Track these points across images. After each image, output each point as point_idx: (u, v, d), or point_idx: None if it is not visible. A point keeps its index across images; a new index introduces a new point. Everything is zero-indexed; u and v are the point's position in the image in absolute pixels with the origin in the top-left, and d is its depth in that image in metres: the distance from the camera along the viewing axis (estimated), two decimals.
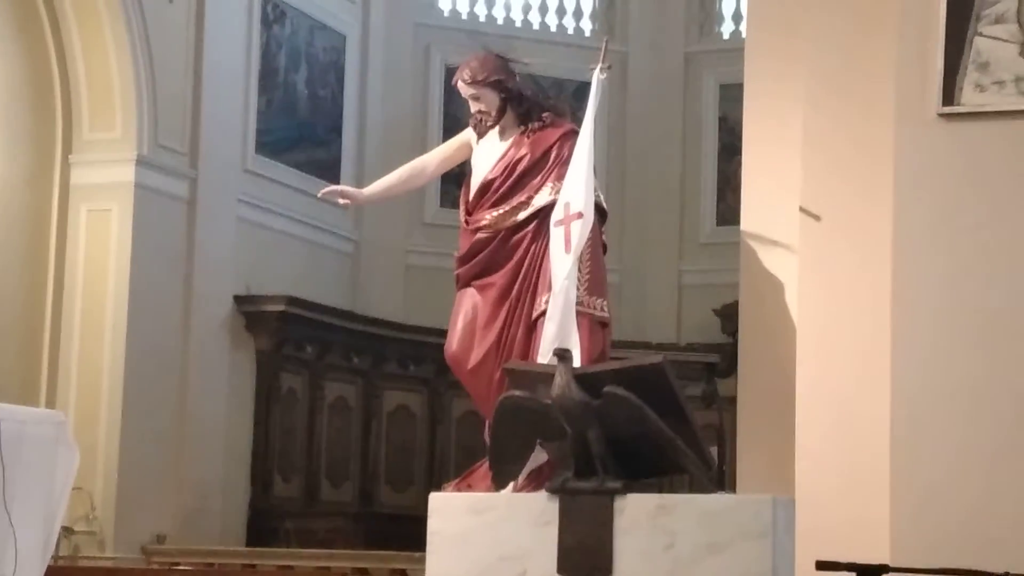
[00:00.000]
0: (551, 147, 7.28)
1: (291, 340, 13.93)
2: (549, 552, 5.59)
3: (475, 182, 7.39)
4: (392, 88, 15.77)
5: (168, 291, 12.53)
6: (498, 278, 7.20)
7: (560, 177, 7.12)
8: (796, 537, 5.67)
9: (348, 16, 15.36)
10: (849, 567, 5.20)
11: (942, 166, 6.82)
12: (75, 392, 12.08)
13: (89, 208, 12.26)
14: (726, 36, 16.74)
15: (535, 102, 7.44)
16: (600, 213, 7.14)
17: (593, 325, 6.99)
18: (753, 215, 7.76)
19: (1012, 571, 5.27)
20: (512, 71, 7.42)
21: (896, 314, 6.78)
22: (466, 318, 7.27)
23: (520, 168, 7.26)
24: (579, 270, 6.92)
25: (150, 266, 12.29)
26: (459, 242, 7.43)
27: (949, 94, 6.78)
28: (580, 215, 6.85)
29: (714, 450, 6.63)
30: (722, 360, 14.41)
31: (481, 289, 7.25)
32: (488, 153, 7.39)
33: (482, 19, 16.49)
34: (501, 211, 7.24)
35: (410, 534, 8.91)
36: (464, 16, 16.46)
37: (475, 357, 7.18)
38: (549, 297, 6.92)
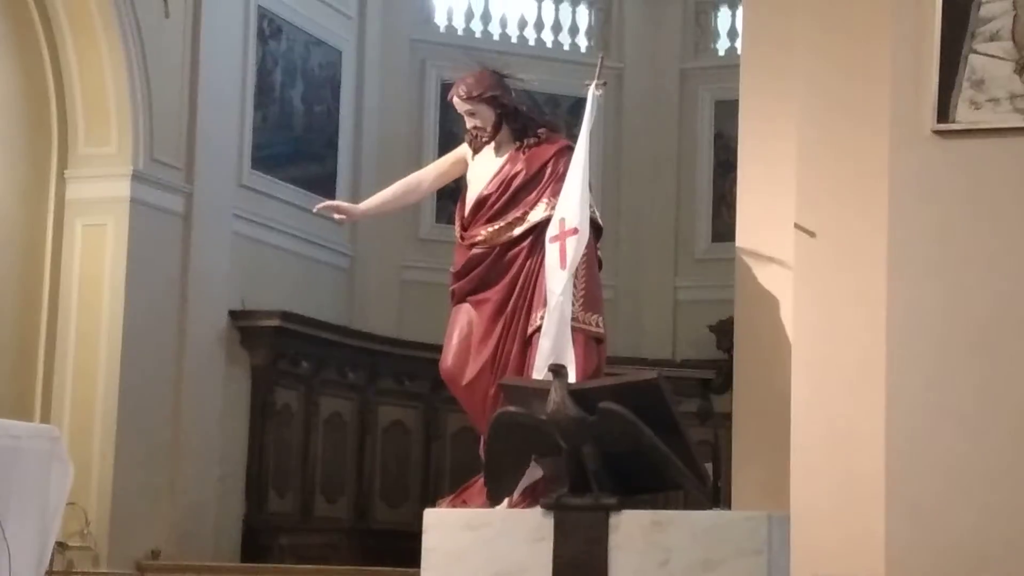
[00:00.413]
0: (546, 163, 7.28)
1: (286, 355, 13.91)
2: (544, 568, 5.59)
3: (470, 198, 7.39)
4: (388, 104, 15.78)
5: (163, 306, 12.51)
6: (493, 294, 7.20)
7: (555, 193, 7.13)
8: (791, 553, 5.67)
9: (344, 32, 15.37)
10: None
11: (937, 183, 6.83)
12: (69, 407, 12.05)
13: (84, 223, 12.24)
14: (722, 53, 16.77)
15: (530, 118, 7.45)
16: (595, 229, 7.14)
17: (588, 341, 6.99)
18: (748, 231, 7.76)
19: None
20: (508, 87, 7.43)
21: (891, 330, 6.79)
22: (461, 333, 7.26)
23: (515, 184, 7.27)
24: (574, 286, 6.92)
25: (145, 281, 12.27)
26: (454, 257, 7.44)
27: (944, 111, 6.80)
28: (575, 231, 6.85)
29: (709, 466, 6.64)
30: (717, 376, 14.42)
31: (476, 305, 7.25)
32: (483, 169, 7.40)
33: (478, 35, 16.50)
34: (496, 227, 7.25)
35: (405, 550, 8.90)
36: (460, 32, 16.47)
37: (470, 373, 7.17)
38: (544, 313, 6.91)
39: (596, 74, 7.15)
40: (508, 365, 7.08)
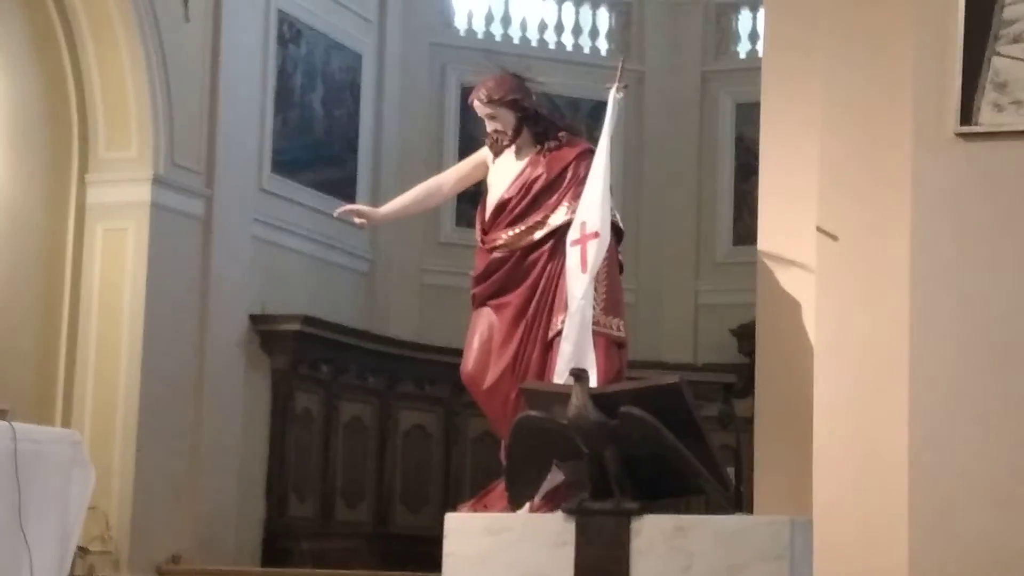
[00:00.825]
0: (567, 166, 7.28)
1: (306, 360, 13.92)
2: (566, 573, 5.56)
3: (491, 201, 7.38)
4: (408, 107, 15.79)
5: (184, 310, 12.52)
6: (514, 297, 7.19)
7: (576, 196, 7.11)
8: (814, 558, 5.64)
9: (364, 36, 15.38)
10: None
11: (960, 186, 6.79)
12: (90, 412, 12.07)
13: (105, 227, 12.27)
14: (742, 55, 16.75)
15: (551, 121, 7.44)
16: (616, 232, 7.13)
17: (609, 345, 6.97)
18: (770, 235, 7.74)
19: None
20: (528, 90, 7.42)
21: (914, 334, 6.75)
22: (482, 338, 7.26)
23: (536, 187, 7.26)
24: (595, 290, 6.91)
25: (166, 285, 12.29)
26: (475, 261, 7.43)
27: (967, 114, 6.76)
28: (596, 234, 6.84)
29: (731, 471, 6.60)
30: (739, 380, 14.38)
31: (497, 309, 7.25)
32: (504, 172, 7.39)
33: (498, 38, 16.50)
34: (517, 231, 7.24)
35: (426, 555, 8.87)
36: (480, 36, 16.47)
37: (491, 377, 7.17)
38: (565, 317, 6.90)
39: (617, 77, 7.14)
40: (529, 369, 7.08)
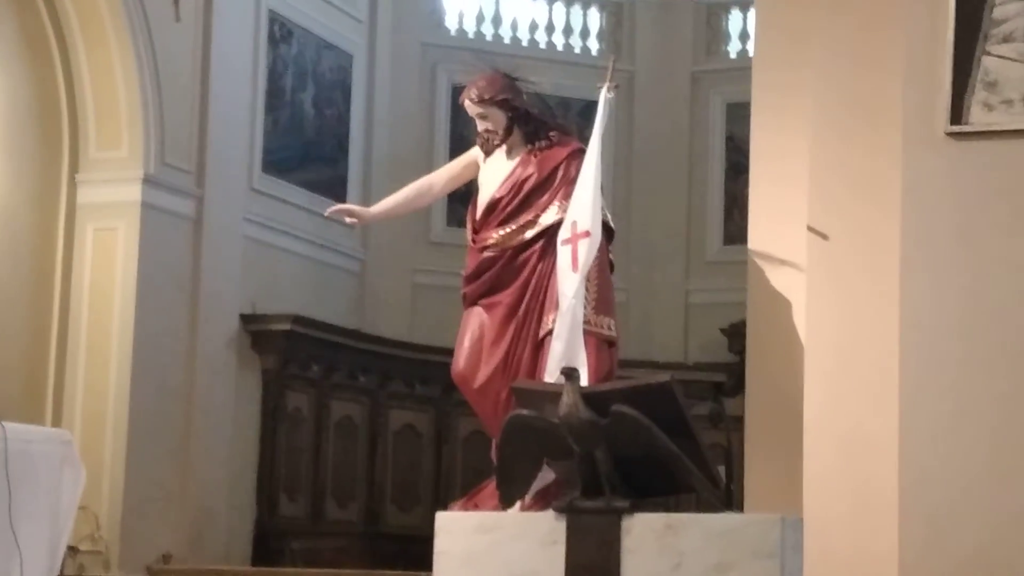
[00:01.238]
0: (558, 166, 7.28)
1: (297, 359, 13.91)
2: (556, 571, 5.57)
3: (482, 201, 7.38)
4: (399, 107, 15.78)
5: (174, 310, 12.51)
6: (505, 297, 7.20)
7: (567, 196, 7.12)
8: (804, 557, 5.65)
9: (355, 35, 15.37)
10: None
11: (950, 185, 6.80)
12: (81, 411, 12.05)
13: (95, 227, 12.25)
14: (733, 55, 16.75)
15: (542, 121, 7.44)
16: (607, 232, 7.13)
17: (600, 344, 6.98)
18: (760, 234, 7.74)
19: None
20: (519, 90, 7.42)
21: (905, 334, 6.76)
22: (473, 337, 7.26)
23: (527, 187, 7.26)
24: (586, 289, 6.91)
25: (156, 285, 12.27)
26: (466, 261, 7.43)
27: (957, 113, 6.77)
28: (587, 234, 6.84)
29: (721, 469, 6.62)
30: (729, 379, 14.38)
31: (488, 308, 7.25)
32: (495, 172, 7.39)
33: (489, 38, 16.49)
34: (508, 230, 7.24)
35: (416, 554, 8.87)
36: (471, 35, 16.47)
37: (482, 376, 7.17)
38: (556, 316, 6.90)
39: (607, 77, 7.14)
40: (520, 368, 7.08)
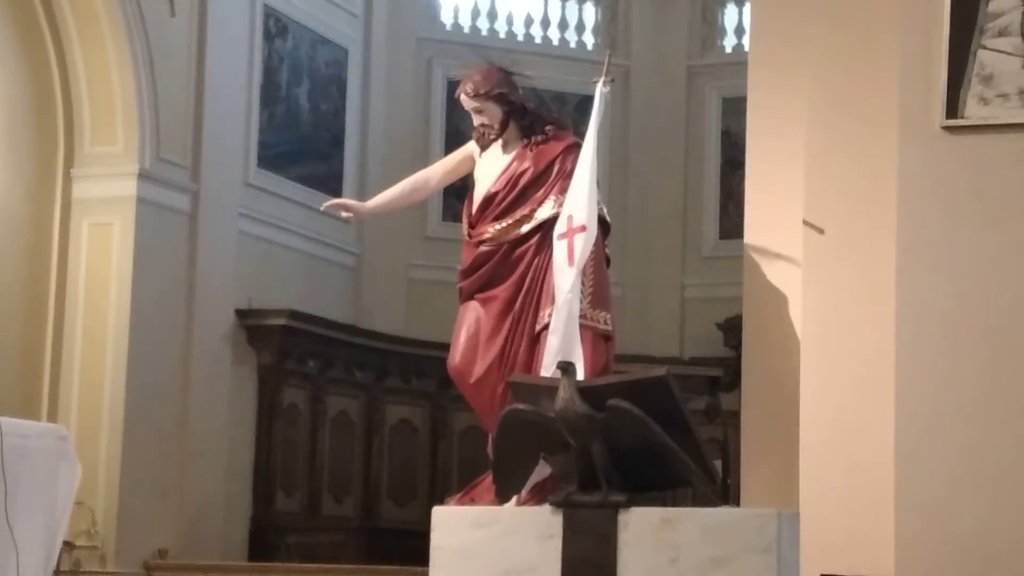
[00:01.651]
0: (554, 160, 7.27)
1: (293, 354, 13.91)
2: (553, 566, 5.57)
3: (478, 195, 7.38)
4: (394, 101, 15.78)
5: (170, 305, 12.51)
6: (501, 291, 7.19)
7: (563, 190, 7.11)
8: (801, 551, 5.65)
9: (350, 30, 15.36)
10: None
11: (946, 179, 6.80)
12: (76, 406, 12.05)
13: (91, 222, 12.25)
14: (728, 50, 16.75)
15: (538, 115, 7.44)
16: (603, 226, 7.13)
17: (596, 338, 6.97)
18: (756, 228, 7.74)
19: None
20: (515, 84, 7.41)
21: (900, 327, 6.76)
22: (469, 331, 7.25)
23: (523, 181, 7.26)
24: (582, 283, 6.91)
25: (152, 280, 12.27)
26: (462, 255, 7.43)
27: (953, 107, 6.77)
28: (583, 228, 6.84)
29: (718, 464, 6.62)
30: (725, 374, 14.40)
31: (484, 302, 7.24)
32: (491, 166, 7.39)
33: (484, 33, 16.49)
34: (504, 224, 7.23)
35: (413, 549, 8.88)
36: (466, 30, 16.46)
37: (478, 370, 7.16)
38: (552, 310, 6.90)
39: (603, 71, 7.14)
40: (516, 363, 7.07)
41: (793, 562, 5.54)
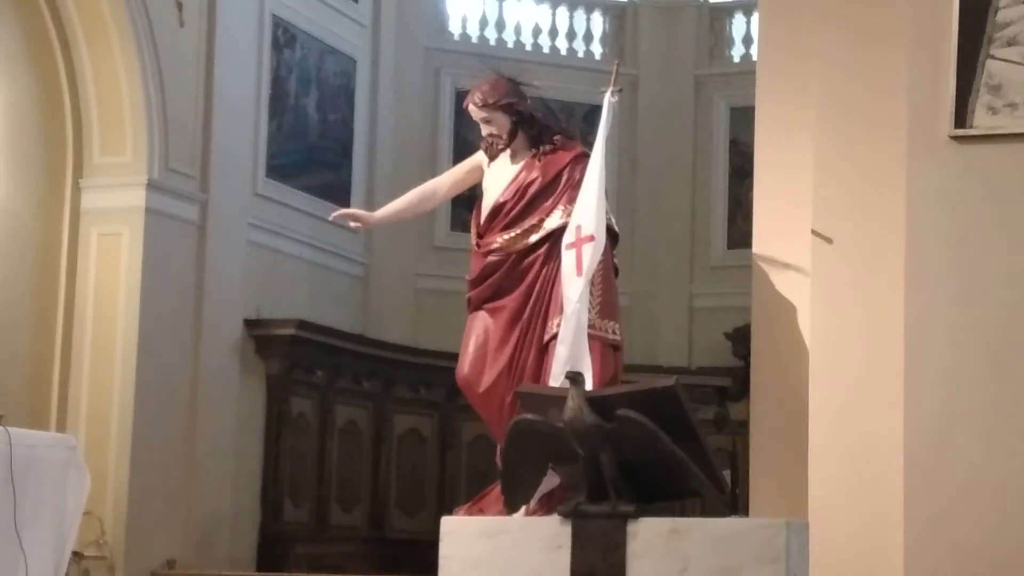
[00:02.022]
0: (562, 170, 7.27)
1: (301, 364, 13.92)
2: None
3: (486, 205, 7.38)
4: (402, 112, 15.79)
5: (178, 315, 12.52)
6: (509, 301, 7.19)
7: (571, 200, 7.11)
8: (810, 561, 5.64)
9: (358, 40, 15.38)
10: None
11: (954, 189, 6.80)
12: (85, 416, 12.06)
13: (100, 232, 12.26)
14: (736, 59, 16.76)
15: (546, 125, 7.44)
16: (611, 236, 7.12)
17: (605, 348, 6.97)
18: (765, 238, 7.74)
19: None
20: (523, 94, 7.41)
21: (909, 337, 6.76)
22: (477, 341, 7.25)
23: (531, 191, 7.26)
24: (591, 293, 6.91)
25: (160, 290, 12.28)
26: (470, 265, 7.42)
27: (961, 117, 6.77)
28: (592, 238, 6.83)
29: (727, 473, 6.61)
30: (733, 384, 14.39)
31: (492, 312, 7.24)
32: (499, 176, 7.39)
33: (492, 43, 16.51)
34: (512, 234, 7.23)
35: (421, 559, 8.89)
36: (474, 40, 16.48)
37: (486, 380, 7.16)
38: (561, 320, 6.90)
39: (611, 81, 7.13)
40: (525, 372, 7.07)
41: (802, 572, 5.54)
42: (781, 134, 7.72)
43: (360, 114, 15.33)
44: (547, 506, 6.40)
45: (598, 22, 17.07)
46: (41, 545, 6.14)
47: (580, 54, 16.89)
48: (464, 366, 7.25)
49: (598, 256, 6.85)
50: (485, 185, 7.48)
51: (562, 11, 16.96)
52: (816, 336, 7.24)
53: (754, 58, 8.44)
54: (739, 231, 15.36)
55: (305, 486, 13.95)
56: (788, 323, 7.51)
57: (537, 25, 16.78)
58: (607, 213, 7.04)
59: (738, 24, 16.97)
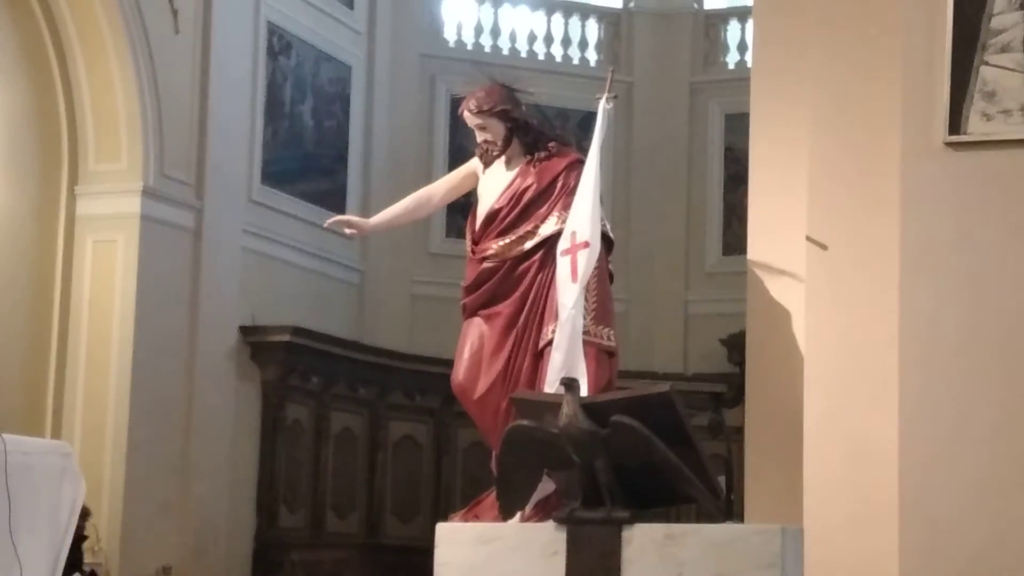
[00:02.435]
0: (557, 176, 7.27)
1: (297, 371, 13.92)
2: None
3: (481, 212, 7.38)
4: (398, 118, 15.80)
5: (174, 322, 12.52)
6: (504, 307, 7.18)
7: (566, 206, 7.11)
8: (804, 567, 5.65)
9: (354, 47, 15.39)
10: None
11: (949, 194, 6.81)
12: (80, 423, 12.06)
13: (95, 239, 12.27)
14: (731, 66, 16.79)
15: (541, 132, 7.43)
16: (606, 242, 7.12)
17: (600, 354, 6.96)
18: (759, 244, 7.74)
19: None
20: (518, 101, 7.41)
21: (904, 342, 6.76)
22: (472, 348, 7.24)
23: (526, 198, 7.25)
24: (585, 299, 6.91)
25: (156, 297, 12.28)
26: (465, 272, 7.42)
27: (955, 123, 6.78)
28: (586, 244, 6.83)
29: (721, 480, 6.61)
30: (728, 390, 14.40)
31: (488, 319, 7.24)
32: (494, 183, 7.39)
33: (487, 49, 16.52)
34: (507, 240, 7.23)
35: (416, 565, 8.88)
36: (469, 47, 16.50)
37: (482, 387, 7.15)
38: (556, 326, 6.90)
39: (606, 87, 7.13)
40: (520, 379, 7.06)
41: None
42: (776, 140, 7.72)
43: (355, 121, 15.34)
44: (542, 512, 6.40)
45: (593, 29, 17.09)
46: (36, 552, 6.13)
47: (575, 61, 16.91)
48: (459, 372, 7.25)
49: (593, 262, 6.85)
50: (480, 191, 7.48)
51: (557, 18, 16.97)
52: (811, 342, 7.24)
53: (749, 65, 8.44)
54: (734, 237, 15.37)
55: (301, 492, 13.95)
56: (783, 329, 7.51)
57: (532, 32, 16.80)
58: (602, 219, 7.03)
59: (733, 31, 16.99)
